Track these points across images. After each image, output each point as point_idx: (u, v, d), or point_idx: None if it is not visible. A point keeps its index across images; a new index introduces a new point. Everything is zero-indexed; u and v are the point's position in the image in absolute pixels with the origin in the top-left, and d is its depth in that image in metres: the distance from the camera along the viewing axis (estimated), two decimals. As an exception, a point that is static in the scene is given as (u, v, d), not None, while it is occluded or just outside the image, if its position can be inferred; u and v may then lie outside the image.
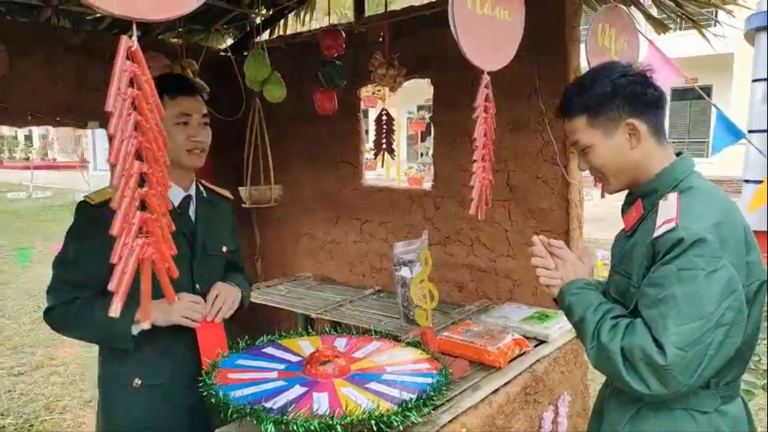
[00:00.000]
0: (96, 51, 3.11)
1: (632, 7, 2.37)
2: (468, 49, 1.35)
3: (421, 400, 1.43)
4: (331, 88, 2.78)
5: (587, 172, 1.66)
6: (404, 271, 2.49)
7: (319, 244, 3.64)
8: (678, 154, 1.37)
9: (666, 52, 2.79)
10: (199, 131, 1.67)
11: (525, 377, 1.99)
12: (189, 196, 1.74)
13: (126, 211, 0.70)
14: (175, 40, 3.37)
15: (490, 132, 1.43)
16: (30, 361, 4.93)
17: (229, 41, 3.75)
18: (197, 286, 1.74)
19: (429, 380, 1.60)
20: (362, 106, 3.42)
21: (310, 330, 1.88)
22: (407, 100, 16.91)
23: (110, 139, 0.67)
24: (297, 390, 1.48)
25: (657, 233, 1.23)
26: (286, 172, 3.62)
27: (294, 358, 1.69)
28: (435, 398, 1.49)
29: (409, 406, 1.39)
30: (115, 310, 0.67)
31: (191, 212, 1.75)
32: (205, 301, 1.70)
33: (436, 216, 3.03)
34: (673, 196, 1.27)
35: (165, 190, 0.78)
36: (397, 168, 11.79)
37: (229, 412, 1.33)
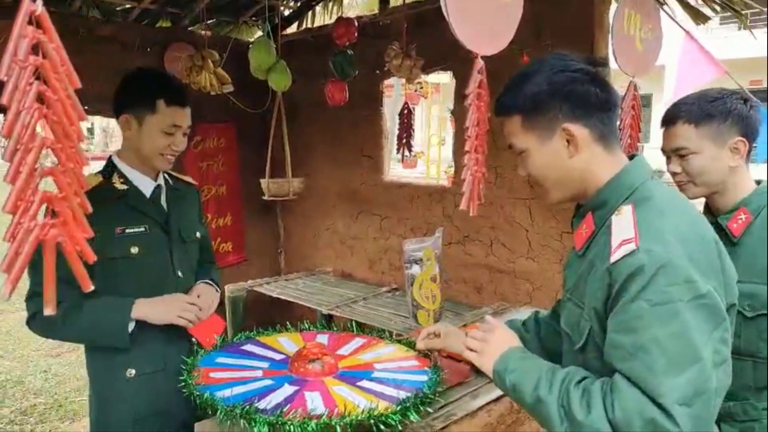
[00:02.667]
0: (126, 41, 3.17)
1: (667, -7, 2.20)
2: (460, 31, 1.25)
3: (419, 399, 1.38)
4: (343, 79, 2.71)
5: None
6: (415, 269, 2.41)
7: (340, 239, 3.59)
8: (631, 158, 1.15)
9: (723, 52, 2.57)
10: (181, 142, 1.68)
11: (531, 386, 1.87)
12: (159, 186, 1.74)
13: (22, 187, 0.65)
14: (204, 32, 3.39)
15: (484, 121, 1.32)
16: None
17: (258, 33, 3.74)
18: (179, 273, 1.74)
19: (423, 377, 1.54)
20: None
21: (289, 326, 1.82)
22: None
23: (3, 111, 0.63)
24: (287, 389, 1.43)
25: (614, 257, 1.00)
26: (309, 166, 3.59)
27: (277, 356, 1.64)
28: (431, 397, 1.43)
29: (408, 405, 1.34)
30: (3, 295, 0.62)
31: (163, 201, 1.74)
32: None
33: (456, 213, 2.92)
34: (627, 210, 1.05)
35: (79, 168, 0.73)
36: (438, 166, 11.64)
37: (219, 413, 1.28)
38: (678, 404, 0.90)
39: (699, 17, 2.24)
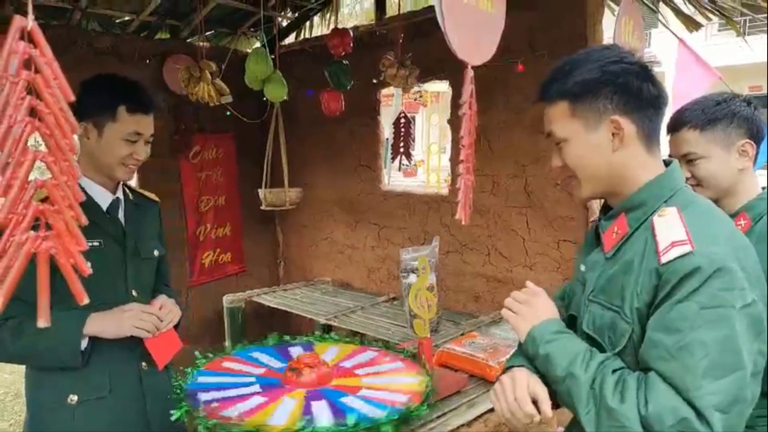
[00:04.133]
0: (125, 53, 3.19)
1: (660, 2, 2.22)
2: (455, 42, 1.27)
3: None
4: (338, 89, 2.72)
5: None
6: (411, 278, 2.41)
7: (338, 249, 3.60)
8: (667, 164, 1.14)
9: (722, 59, 2.59)
10: (144, 150, 1.59)
11: (530, 395, 1.87)
12: (117, 199, 1.65)
13: (13, 200, 0.66)
14: (202, 43, 3.41)
15: (473, 130, 1.33)
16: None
17: (256, 44, 3.77)
18: (133, 292, 1.63)
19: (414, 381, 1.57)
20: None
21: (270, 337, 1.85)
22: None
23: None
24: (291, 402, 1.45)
25: (665, 258, 0.97)
26: (307, 176, 3.60)
27: (258, 370, 1.66)
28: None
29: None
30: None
31: (120, 216, 1.65)
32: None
33: (453, 222, 2.92)
34: (672, 211, 1.03)
35: (72, 181, 0.73)
36: (438, 175, 11.65)
37: None
38: (715, 410, 0.90)
39: (692, 24, 2.25)
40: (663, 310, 0.97)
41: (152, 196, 1.85)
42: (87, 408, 1.52)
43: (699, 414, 0.90)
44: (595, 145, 1.09)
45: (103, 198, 1.61)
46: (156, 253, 1.74)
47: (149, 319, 1.55)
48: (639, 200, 1.09)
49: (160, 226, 1.84)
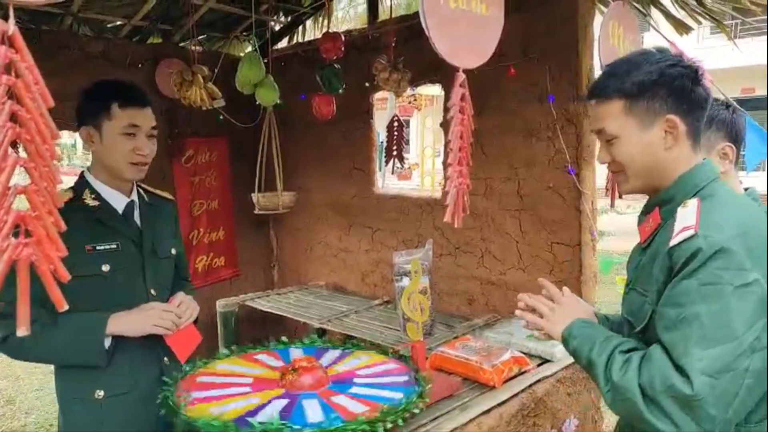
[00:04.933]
0: (117, 58, 3.18)
1: (651, 6, 2.22)
2: (441, 46, 1.27)
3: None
4: (330, 92, 2.72)
5: (600, 182, 1.53)
6: (405, 282, 2.41)
7: (332, 253, 3.59)
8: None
9: (714, 61, 2.60)
10: (146, 144, 1.62)
11: (522, 398, 1.86)
12: (132, 202, 1.70)
13: (-7, 207, 0.66)
14: (194, 47, 3.41)
15: (467, 134, 1.33)
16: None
17: (249, 48, 3.77)
18: (152, 291, 1.69)
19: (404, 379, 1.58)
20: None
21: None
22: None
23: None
24: (280, 402, 1.45)
25: (673, 241, 1.08)
26: (301, 179, 3.60)
27: (256, 372, 1.66)
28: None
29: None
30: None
31: (136, 217, 1.70)
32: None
33: (446, 225, 2.91)
34: (693, 203, 1.12)
35: (52, 186, 0.73)
36: (432, 178, 11.67)
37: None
38: (701, 372, 0.99)
39: (682, 28, 2.26)
40: (671, 287, 1.08)
41: (166, 194, 1.89)
42: (113, 402, 1.59)
43: (685, 377, 1.00)
44: (647, 143, 1.17)
45: (118, 201, 1.66)
46: (173, 251, 1.80)
47: (168, 317, 1.61)
48: (669, 195, 1.19)
49: (176, 223, 1.89)
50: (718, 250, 1.02)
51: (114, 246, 1.60)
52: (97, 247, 1.57)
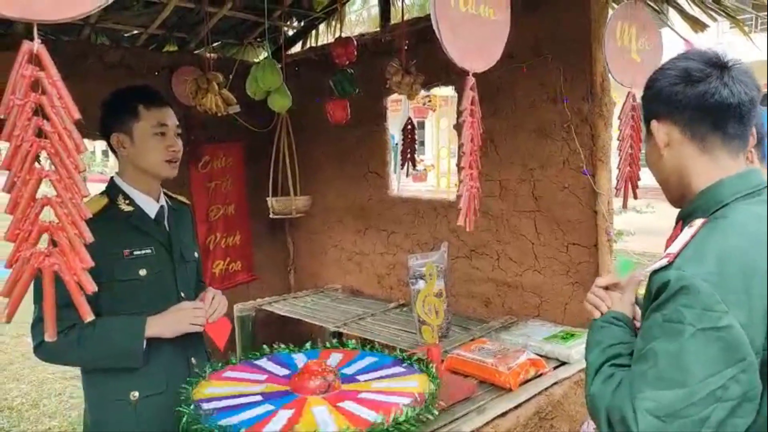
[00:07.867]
0: (134, 66, 3.24)
1: (665, 4, 2.21)
2: (452, 50, 1.27)
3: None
4: (343, 97, 2.74)
5: (614, 181, 1.51)
6: (420, 285, 2.41)
7: (347, 256, 3.60)
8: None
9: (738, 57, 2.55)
10: (176, 141, 1.69)
11: (539, 400, 1.86)
12: (162, 207, 1.75)
13: (19, 217, 0.68)
14: (209, 54, 3.45)
15: (477, 137, 1.34)
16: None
17: (263, 54, 3.80)
18: (182, 293, 1.74)
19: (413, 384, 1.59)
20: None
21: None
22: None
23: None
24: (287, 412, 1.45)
25: (651, 268, 1.03)
26: (316, 183, 3.62)
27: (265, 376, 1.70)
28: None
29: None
30: (7, 316, 0.64)
31: (165, 222, 1.75)
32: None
33: (461, 228, 2.92)
34: (697, 224, 1.03)
35: (77, 198, 0.75)
36: (448, 179, 11.65)
37: None
38: (648, 413, 0.94)
39: (698, 26, 2.24)
40: (646, 316, 1.04)
41: (183, 199, 1.95)
42: (147, 403, 1.64)
43: (635, 413, 0.96)
44: (649, 153, 1.16)
45: (150, 207, 1.70)
46: (196, 255, 1.86)
47: (201, 314, 1.66)
48: (690, 209, 1.11)
49: (194, 227, 1.94)
50: (684, 286, 0.94)
51: (149, 251, 1.65)
52: (135, 252, 1.61)
